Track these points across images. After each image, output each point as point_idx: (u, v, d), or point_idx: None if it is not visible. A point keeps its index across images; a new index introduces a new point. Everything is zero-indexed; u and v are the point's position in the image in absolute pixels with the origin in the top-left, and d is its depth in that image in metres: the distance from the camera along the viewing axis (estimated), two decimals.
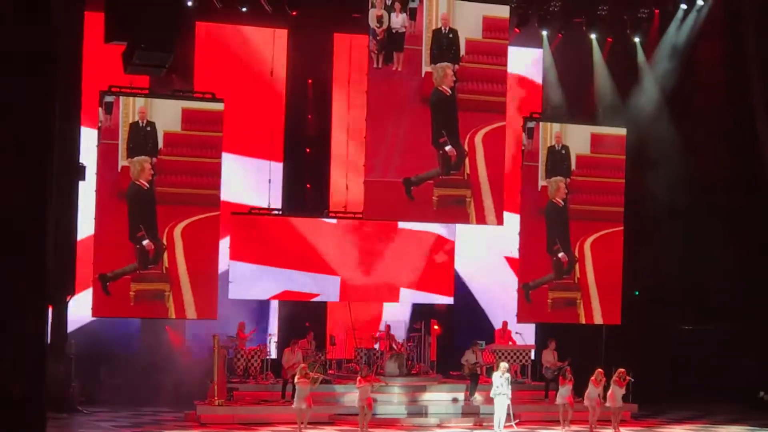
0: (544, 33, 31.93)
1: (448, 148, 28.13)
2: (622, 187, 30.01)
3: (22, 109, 22.55)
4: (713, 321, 31.85)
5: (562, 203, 29.54)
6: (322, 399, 26.35)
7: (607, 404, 26.20)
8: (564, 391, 26.22)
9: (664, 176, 31.19)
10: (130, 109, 26.57)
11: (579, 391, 26.41)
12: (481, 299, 32.42)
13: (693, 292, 31.68)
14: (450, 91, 28.13)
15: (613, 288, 29.96)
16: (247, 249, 28.76)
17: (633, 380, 26.60)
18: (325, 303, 30.38)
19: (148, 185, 26.73)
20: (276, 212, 29.63)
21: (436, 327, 30.01)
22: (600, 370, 26.34)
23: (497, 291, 31.90)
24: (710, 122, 31.96)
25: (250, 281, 28.82)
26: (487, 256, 32.20)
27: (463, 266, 31.73)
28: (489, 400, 26.07)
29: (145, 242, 26.65)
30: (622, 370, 26.33)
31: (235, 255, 28.53)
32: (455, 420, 27.17)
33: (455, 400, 27.94)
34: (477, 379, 28.01)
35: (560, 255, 29.56)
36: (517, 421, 26.13)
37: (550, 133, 29.42)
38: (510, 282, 30.57)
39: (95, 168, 26.66)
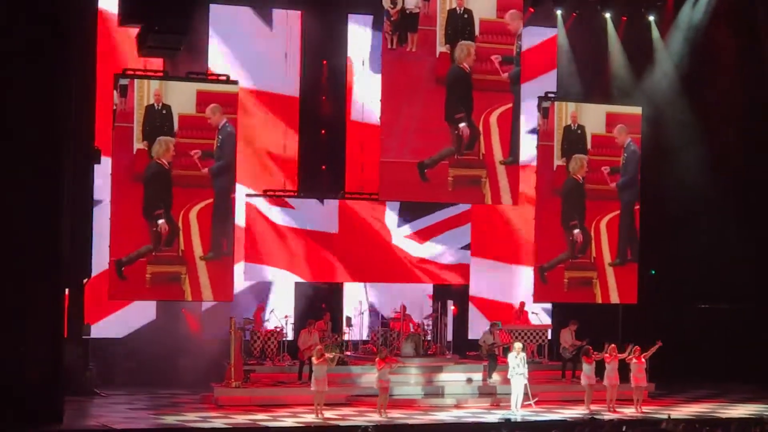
0: (559, 12, 31.76)
1: (462, 125, 28.08)
2: (637, 166, 29.95)
3: (37, 95, 22.64)
4: (730, 300, 31.79)
5: (581, 180, 29.46)
6: (338, 380, 26.39)
7: (632, 385, 26.17)
8: (588, 371, 26.15)
9: (680, 155, 31.12)
10: (145, 91, 26.52)
11: (598, 371, 26.40)
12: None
13: (709, 271, 31.57)
14: (469, 69, 28.08)
15: (629, 267, 29.91)
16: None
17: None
18: (341, 284, 30.36)
19: (168, 165, 26.72)
20: (291, 194, 29.58)
21: (452, 307, 30.00)
22: (613, 345, 26.29)
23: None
24: (726, 100, 31.82)
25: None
26: None
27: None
28: (506, 381, 26.10)
29: (160, 221, 26.61)
30: (637, 347, 26.28)
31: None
32: (472, 400, 27.15)
33: (469, 380, 27.93)
34: (495, 359, 28.00)
35: (576, 232, 29.49)
36: (535, 399, 26.12)
37: (565, 112, 29.33)
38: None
39: (111, 151, 26.66)
